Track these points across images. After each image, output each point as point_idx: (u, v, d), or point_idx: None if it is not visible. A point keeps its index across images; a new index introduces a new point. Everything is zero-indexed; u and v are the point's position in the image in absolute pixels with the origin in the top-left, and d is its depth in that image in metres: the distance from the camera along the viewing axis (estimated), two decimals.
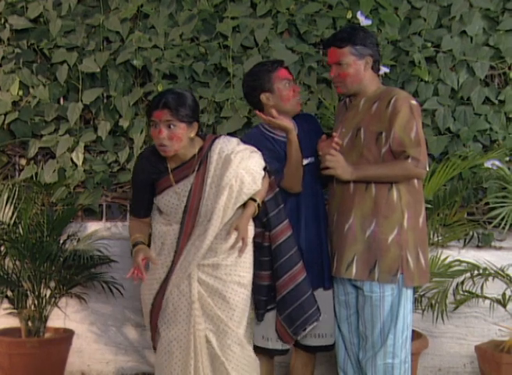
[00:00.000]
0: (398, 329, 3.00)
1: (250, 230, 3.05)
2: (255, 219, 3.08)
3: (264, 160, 3.07)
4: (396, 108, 2.95)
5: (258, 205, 3.02)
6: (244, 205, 3.02)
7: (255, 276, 3.09)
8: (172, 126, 2.90)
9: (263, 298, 3.12)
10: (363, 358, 3.06)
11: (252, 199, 3.01)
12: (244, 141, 3.11)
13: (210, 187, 2.96)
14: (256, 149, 3.06)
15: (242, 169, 2.94)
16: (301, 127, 3.24)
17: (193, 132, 2.96)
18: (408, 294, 3.04)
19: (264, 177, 3.04)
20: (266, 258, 3.11)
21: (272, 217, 3.08)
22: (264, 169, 3.05)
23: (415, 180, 3.04)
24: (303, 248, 3.16)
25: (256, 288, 3.10)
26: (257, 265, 3.09)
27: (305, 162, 3.18)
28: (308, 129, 3.26)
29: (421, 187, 3.09)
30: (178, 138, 2.91)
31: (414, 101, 3.00)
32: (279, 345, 3.18)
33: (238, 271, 2.99)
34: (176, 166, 3.01)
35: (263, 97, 3.19)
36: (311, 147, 3.16)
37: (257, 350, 3.19)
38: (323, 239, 3.21)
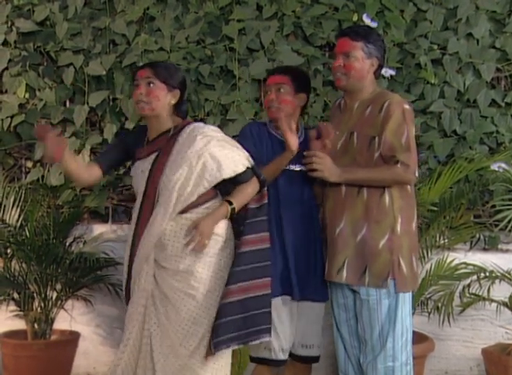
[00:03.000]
0: (397, 332, 2.98)
1: (219, 241, 2.89)
2: (233, 227, 2.96)
3: (259, 170, 2.96)
4: (388, 113, 2.93)
5: (234, 209, 2.88)
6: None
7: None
8: (151, 85, 2.90)
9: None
10: (363, 362, 3.05)
11: (229, 202, 2.89)
12: (245, 128, 3.15)
13: (171, 164, 2.87)
14: (241, 147, 2.95)
15: (207, 153, 2.84)
16: (306, 136, 3.21)
17: (174, 99, 2.94)
18: (406, 297, 3.01)
19: (249, 182, 2.92)
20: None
21: (248, 224, 2.92)
22: (259, 178, 2.95)
23: (408, 185, 3.02)
24: (291, 258, 3.10)
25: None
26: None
27: (299, 168, 3.15)
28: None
29: (413, 192, 3.06)
30: (155, 96, 2.90)
31: (407, 106, 2.97)
32: (281, 355, 3.12)
33: (188, 280, 2.82)
34: (152, 138, 2.98)
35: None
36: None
37: (261, 361, 3.17)
38: (314, 250, 3.16)
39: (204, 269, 2.85)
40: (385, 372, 2.99)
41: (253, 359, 3.22)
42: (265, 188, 2.99)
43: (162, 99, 2.91)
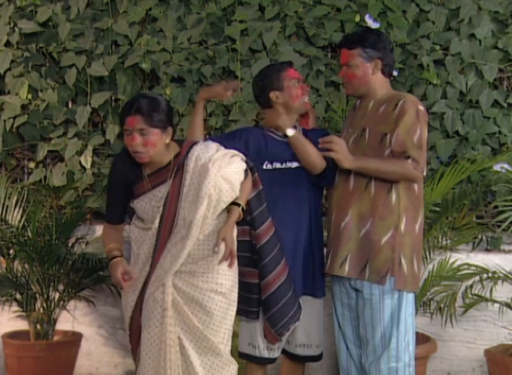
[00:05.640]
0: (400, 332, 2.99)
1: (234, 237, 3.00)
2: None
3: (248, 159, 3.02)
4: (402, 111, 2.95)
5: (242, 208, 2.96)
6: (228, 210, 2.96)
7: (242, 274, 3.03)
8: (145, 133, 2.83)
9: (254, 296, 3.07)
10: (365, 363, 3.05)
11: (235, 203, 2.95)
12: (237, 130, 3.15)
13: (186, 196, 2.89)
14: (236, 152, 3.00)
15: (220, 177, 2.87)
16: (312, 139, 3.22)
17: (168, 138, 2.89)
18: (409, 297, 3.02)
19: (246, 177, 2.98)
20: (249, 254, 3.06)
21: (256, 216, 3.04)
22: (249, 167, 3.00)
23: (415, 186, 3.03)
24: (289, 253, 3.12)
25: (244, 286, 3.04)
26: (242, 261, 3.03)
27: (296, 165, 3.16)
28: (315, 138, 3.18)
29: (421, 195, 3.07)
30: (152, 144, 2.84)
31: (421, 107, 3.00)
32: (266, 353, 3.14)
33: (216, 278, 2.90)
34: (151, 172, 2.94)
35: (272, 95, 3.21)
36: None
37: (245, 357, 3.19)
38: (313, 246, 3.18)
39: (227, 266, 2.94)
40: (389, 372, 3.00)
41: (240, 355, 3.23)
42: (256, 174, 3.06)
43: (159, 144, 2.86)
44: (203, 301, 2.88)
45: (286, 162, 3.16)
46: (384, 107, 3.03)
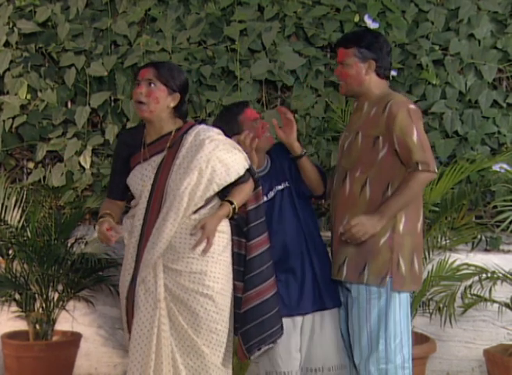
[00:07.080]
0: (389, 333, 2.96)
1: (225, 238, 2.94)
2: (236, 226, 3.00)
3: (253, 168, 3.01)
4: (391, 113, 2.94)
5: (234, 208, 2.92)
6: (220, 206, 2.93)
7: (234, 289, 2.98)
8: (152, 85, 2.90)
9: (237, 310, 3.00)
10: (357, 364, 3.04)
11: (229, 202, 2.92)
12: None
13: (178, 168, 2.87)
14: (241, 148, 2.99)
15: (215, 157, 2.87)
16: (275, 157, 3.24)
17: (173, 103, 2.93)
18: (401, 298, 2.99)
19: (247, 182, 2.96)
20: (242, 268, 3.01)
21: (252, 228, 2.99)
22: (252, 175, 2.98)
23: None
24: (295, 275, 3.11)
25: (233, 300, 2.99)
26: (235, 275, 2.99)
27: (281, 187, 3.17)
28: (280, 156, 3.24)
29: (420, 192, 3.06)
30: (155, 98, 2.89)
31: (412, 106, 2.98)
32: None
33: (203, 280, 2.85)
34: (151, 140, 2.97)
35: (235, 139, 3.15)
36: (284, 173, 3.20)
37: None
38: (314, 258, 3.15)
39: (217, 268, 2.89)
40: (379, 374, 2.98)
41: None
42: (260, 187, 3.04)
43: (161, 102, 2.91)
44: (188, 302, 2.85)
45: (276, 186, 3.17)
46: (375, 110, 3.02)
